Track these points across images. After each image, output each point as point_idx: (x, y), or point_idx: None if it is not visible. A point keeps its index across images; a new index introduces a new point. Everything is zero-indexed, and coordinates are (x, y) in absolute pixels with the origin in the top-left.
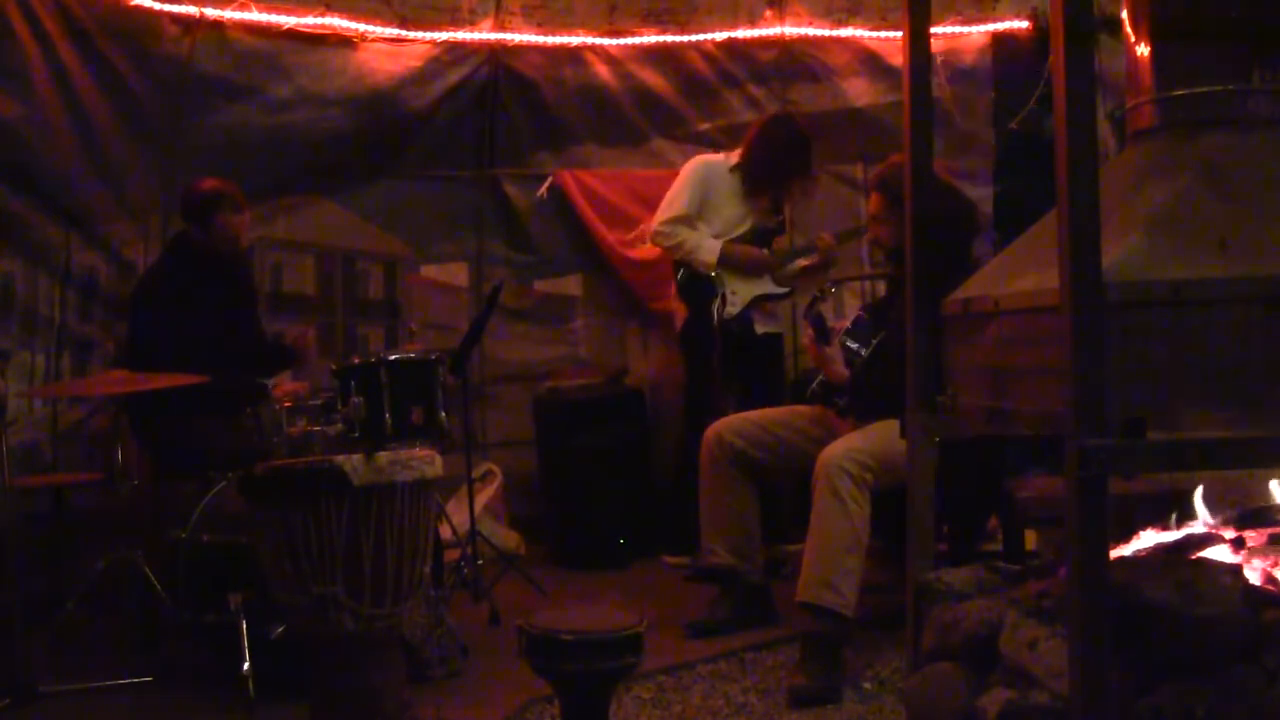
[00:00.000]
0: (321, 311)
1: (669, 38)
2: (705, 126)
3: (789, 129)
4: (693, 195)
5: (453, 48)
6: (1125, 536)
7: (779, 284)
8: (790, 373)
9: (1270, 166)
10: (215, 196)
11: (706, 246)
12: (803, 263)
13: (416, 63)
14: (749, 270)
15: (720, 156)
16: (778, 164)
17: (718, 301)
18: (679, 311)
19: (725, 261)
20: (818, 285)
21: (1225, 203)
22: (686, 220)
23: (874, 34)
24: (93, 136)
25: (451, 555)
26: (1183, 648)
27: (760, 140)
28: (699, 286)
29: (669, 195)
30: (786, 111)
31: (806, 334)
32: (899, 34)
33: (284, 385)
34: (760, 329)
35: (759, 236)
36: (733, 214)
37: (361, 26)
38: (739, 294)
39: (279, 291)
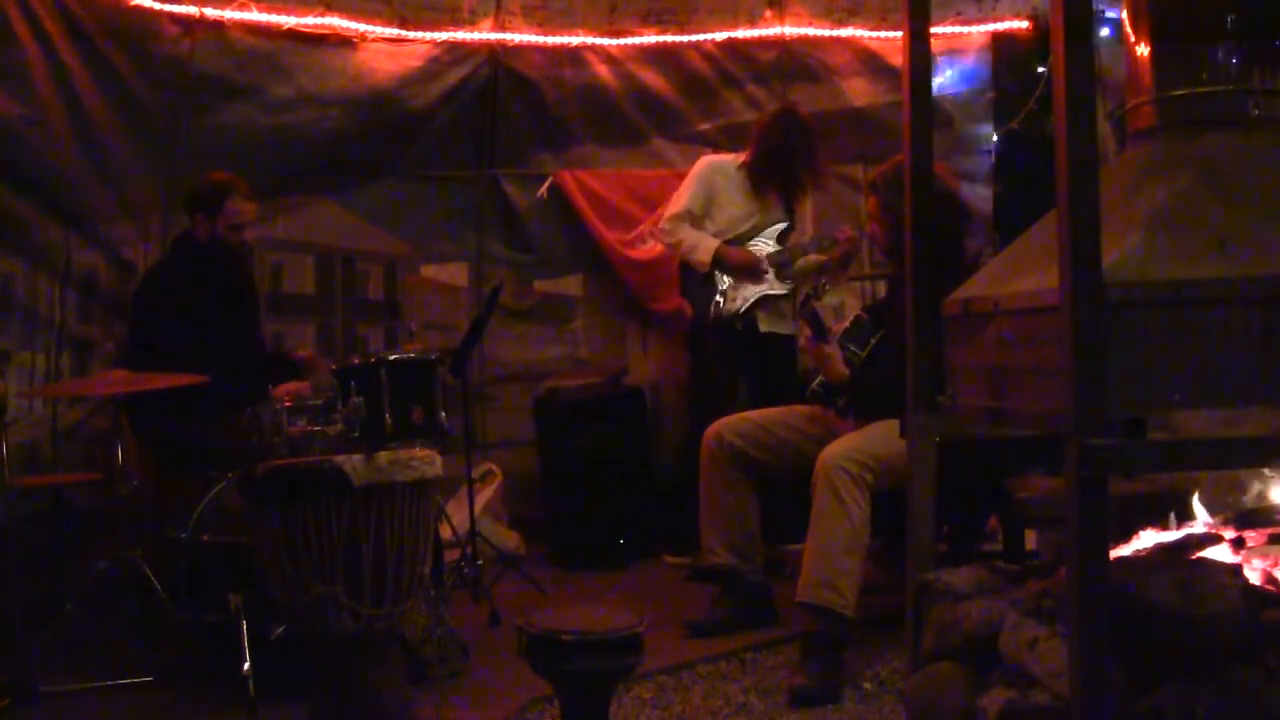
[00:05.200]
0: (321, 311)
1: (669, 38)
2: (705, 126)
3: (791, 119)
4: (696, 193)
5: (453, 48)
6: (1125, 536)
7: (783, 280)
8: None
9: (1270, 166)
10: (228, 182)
11: (703, 246)
12: (816, 258)
13: (416, 63)
14: (740, 273)
15: (730, 156)
16: (780, 153)
17: (716, 298)
18: (687, 310)
19: (718, 263)
20: (834, 279)
21: (1225, 203)
22: (688, 218)
23: (874, 34)
24: (93, 136)
25: (451, 555)
26: (1183, 648)
27: (763, 132)
28: (700, 284)
29: (676, 193)
30: (790, 105)
31: (803, 333)
32: (899, 34)
33: (285, 384)
34: (765, 327)
35: (767, 235)
36: (737, 213)
37: (361, 26)
38: (737, 292)
39: (279, 291)
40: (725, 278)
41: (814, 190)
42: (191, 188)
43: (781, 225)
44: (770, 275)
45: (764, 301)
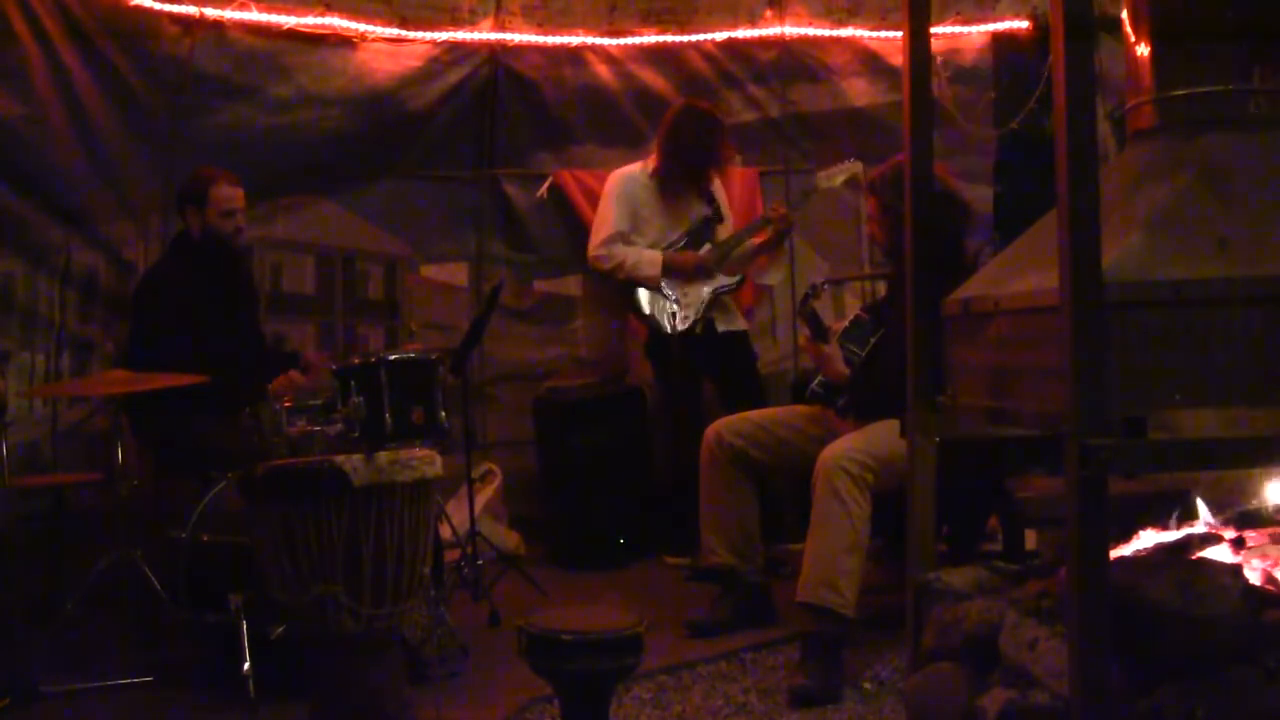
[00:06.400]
0: (321, 311)
1: (669, 38)
2: None
3: (690, 117)
4: (620, 212)
5: (453, 48)
6: (1125, 536)
7: (730, 272)
8: (791, 372)
9: (1270, 166)
10: (211, 172)
11: (646, 260)
12: (755, 240)
13: (416, 63)
14: (694, 275)
15: (638, 166)
16: (685, 155)
17: (671, 309)
18: (639, 329)
19: (668, 272)
20: (779, 257)
21: (1225, 203)
22: (621, 239)
23: (874, 34)
24: (93, 136)
25: (451, 555)
26: (1183, 648)
27: (664, 136)
28: (650, 301)
29: (598, 217)
30: (688, 102)
31: (802, 333)
32: (899, 34)
33: (282, 375)
34: (722, 327)
35: (698, 234)
36: (664, 221)
37: (361, 26)
38: (690, 297)
39: (279, 291)
40: (676, 287)
41: (721, 174)
42: (181, 184)
43: (711, 221)
44: (719, 271)
45: (714, 301)
